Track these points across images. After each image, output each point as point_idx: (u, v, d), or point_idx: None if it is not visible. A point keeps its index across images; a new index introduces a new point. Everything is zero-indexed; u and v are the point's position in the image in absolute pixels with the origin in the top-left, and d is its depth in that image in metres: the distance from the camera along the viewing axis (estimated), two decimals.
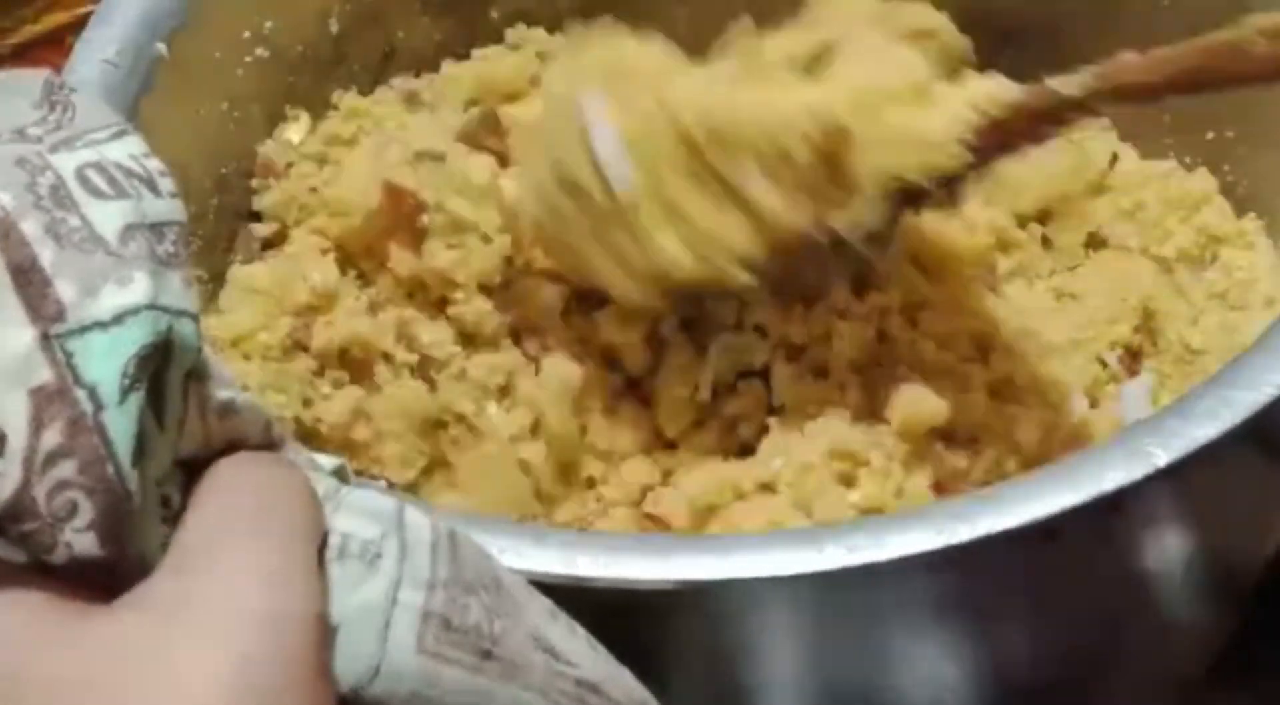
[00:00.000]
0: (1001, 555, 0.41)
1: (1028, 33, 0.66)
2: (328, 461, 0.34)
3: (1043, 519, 0.40)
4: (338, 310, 0.56)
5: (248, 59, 0.60)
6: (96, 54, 0.55)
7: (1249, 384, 0.42)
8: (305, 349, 0.56)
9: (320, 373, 0.56)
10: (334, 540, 0.31)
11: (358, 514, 0.32)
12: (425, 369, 0.56)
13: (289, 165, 0.61)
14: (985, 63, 0.64)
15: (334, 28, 0.64)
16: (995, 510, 0.41)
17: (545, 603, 0.34)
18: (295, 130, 0.62)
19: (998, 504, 0.41)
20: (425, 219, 0.56)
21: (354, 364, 0.56)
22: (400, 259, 0.56)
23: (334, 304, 0.56)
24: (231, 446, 0.31)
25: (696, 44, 0.70)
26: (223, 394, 0.30)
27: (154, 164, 0.30)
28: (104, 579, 0.28)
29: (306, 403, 0.55)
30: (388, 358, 0.56)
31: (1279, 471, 0.46)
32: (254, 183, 0.61)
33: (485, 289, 0.56)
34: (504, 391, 0.56)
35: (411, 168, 0.57)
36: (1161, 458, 0.41)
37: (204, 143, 0.59)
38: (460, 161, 0.58)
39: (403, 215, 0.56)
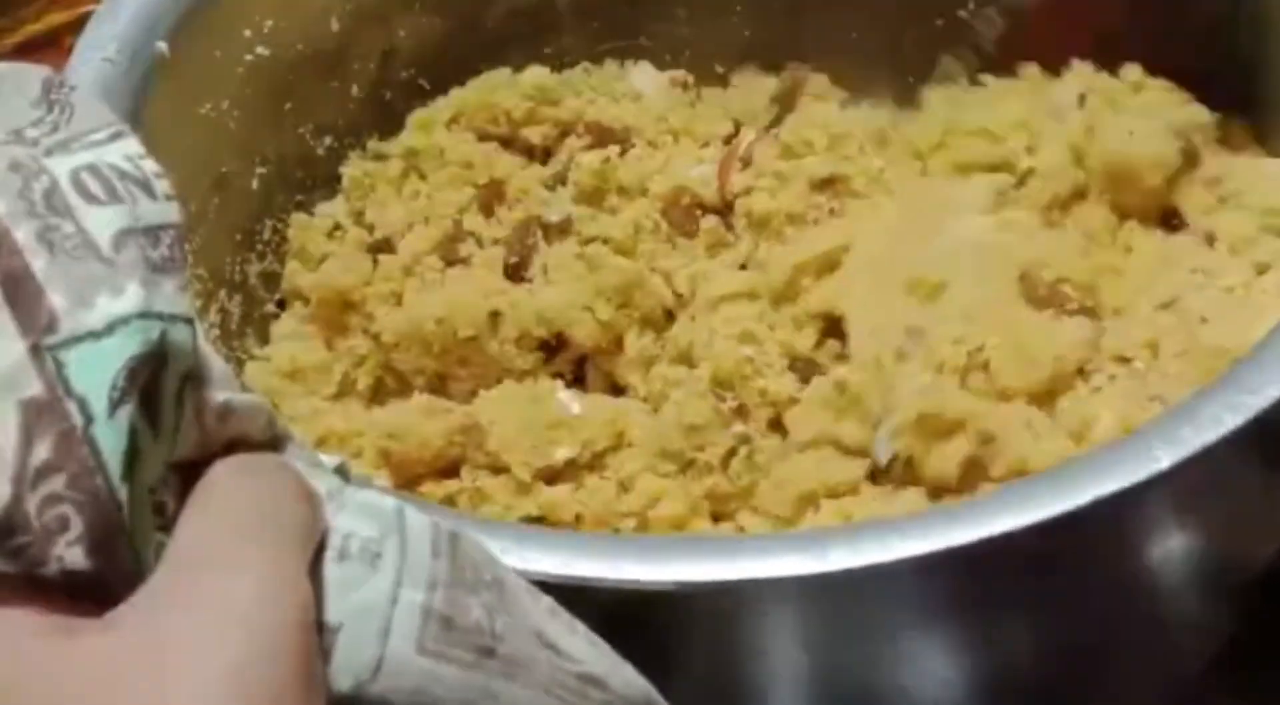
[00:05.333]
0: (1003, 558, 0.41)
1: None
2: (330, 459, 0.34)
3: (1044, 521, 0.40)
4: None
5: (248, 58, 0.60)
6: (97, 52, 0.55)
7: (1252, 388, 0.42)
8: None
9: None
10: (335, 540, 0.31)
11: (359, 513, 0.32)
12: None
13: None
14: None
15: (335, 26, 0.64)
16: (997, 513, 0.40)
17: (546, 600, 0.34)
18: None
19: (999, 507, 0.41)
20: None
21: None
22: None
23: None
24: (231, 446, 0.31)
25: (696, 42, 0.70)
26: (221, 395, 0.30)
27: (150, 166, 0.30)
28: (97, 590, 0.27)
29: None
30: None
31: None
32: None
33: None
34: None
35: None
36: (1164, 460, 0.41)
37: (204, 141, 0.59)
38: None
39: None
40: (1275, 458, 0.44)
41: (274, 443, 0.32)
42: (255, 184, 0.62)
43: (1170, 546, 0.46)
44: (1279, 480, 0.47)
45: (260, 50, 0.60)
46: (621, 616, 0.36)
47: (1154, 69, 0.61)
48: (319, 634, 0.30)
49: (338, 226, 0.65)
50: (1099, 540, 0.44)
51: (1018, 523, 0.40)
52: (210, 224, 0.59)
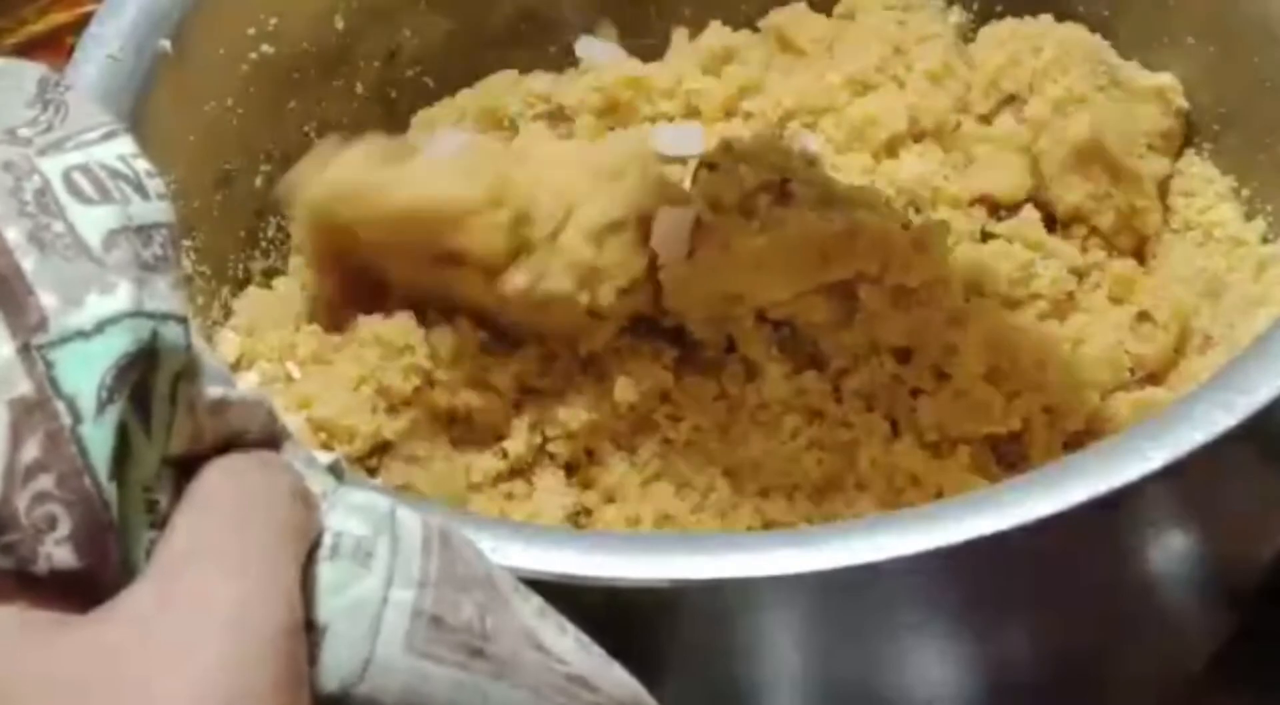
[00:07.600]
0: (998, 556, 0.41)
1: None
2: (324, 457, 0.34)
3: (1038, 520, 0.40)
4: None
5: (252, 55, 0.60)
6: (101, 49, 0.55)
7: (1247, 387, 0.42)
8: None
9: None
10: (327, 539, 0.31)
11: (351, 512, 0.32)
12: None
13: None
14: None
15: (339, 24, 0.64)
16: (991, 511, 0.41)
17: (535, 600, 0.35)
18: None
19: (994, 505, 0.41)
20: None
21: None
22: None
23: None
24: (227, 442, 0.31)
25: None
26: (215, 391, 0.30)
27: (142, 165, 0.30)
28: (85, 588, 0.28)
29: None
30: None
31: (1277, 473, 0.46)
32: None
33: None
34: None
35: None
36: (1157, 460, 0.41)
37: (208, 139, 0.58)
38: None
39: None
40: (1271, 457, 0.44)
41: (273, 439, 0.32)
42: (259, 181, 0.62)
43: (1166, 546, 0.46)
44: (1275, 480, 0.47)
45: (264, 48, 0.60)
46: (614, 614, 0.37)
47: None
48: (306, 634, 0.30)
49: None
50: (1093, 540, 0.44)
51: (1010, 522, 0.40)
52: (214, 221, 0.59)
